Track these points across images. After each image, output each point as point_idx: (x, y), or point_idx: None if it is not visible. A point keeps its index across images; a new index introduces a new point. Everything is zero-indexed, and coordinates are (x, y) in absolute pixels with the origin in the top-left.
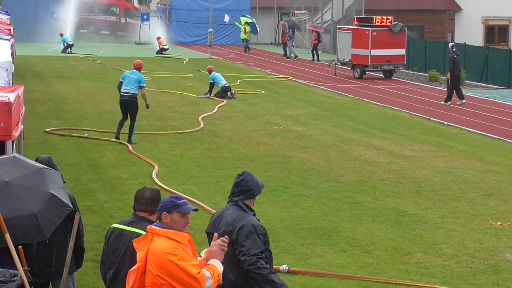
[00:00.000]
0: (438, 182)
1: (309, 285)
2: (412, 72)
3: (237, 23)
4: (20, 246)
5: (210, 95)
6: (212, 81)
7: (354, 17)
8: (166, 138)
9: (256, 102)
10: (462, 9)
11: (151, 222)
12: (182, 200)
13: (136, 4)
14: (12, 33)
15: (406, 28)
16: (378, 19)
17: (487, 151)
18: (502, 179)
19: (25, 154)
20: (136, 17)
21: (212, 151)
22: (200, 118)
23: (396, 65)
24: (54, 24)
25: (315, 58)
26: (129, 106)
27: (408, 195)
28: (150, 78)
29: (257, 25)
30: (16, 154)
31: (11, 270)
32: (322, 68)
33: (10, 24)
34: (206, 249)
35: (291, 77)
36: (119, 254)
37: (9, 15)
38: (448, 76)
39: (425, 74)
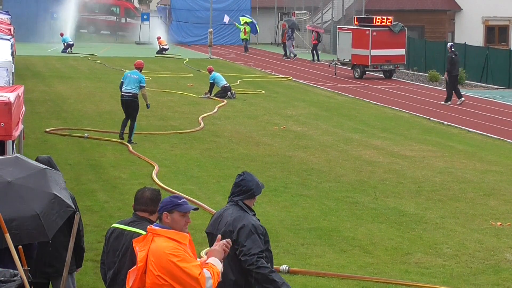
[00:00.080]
0: (438, 182)
1: (309, 285)
2: (412, 72)
3: (236, 24)
4: (20, 246)
5: (210, 95)
6: (212, 81)
7: (354, 17)
8: (166, 138)
9: (256, 102)
10: (462, 9)
11: (151, 222)
12: (182, 200)
13: (136, 4)
14: (12, 33)
15: (406, 28)
16: (378, 19)
17: (487, 151)
18: (502, 179)
19: (25, 154)
20: (136, 17)
21: (212, 151)
22: (200, 118)
23: (396, 65)
24: (54, 24)
25: (315, 58)
26: (129, 105)
27: (408, 195)
28: (150, 78)
29: (257, 25)
30: (18, 155)
31: (11, 270)
32: (322, 68)
33: (10, 24)
34: (206, 249)
35: (291, 77)
36: (119, 254)
37: (9, 15)
38: (446, 76)
39: (425, 74)
